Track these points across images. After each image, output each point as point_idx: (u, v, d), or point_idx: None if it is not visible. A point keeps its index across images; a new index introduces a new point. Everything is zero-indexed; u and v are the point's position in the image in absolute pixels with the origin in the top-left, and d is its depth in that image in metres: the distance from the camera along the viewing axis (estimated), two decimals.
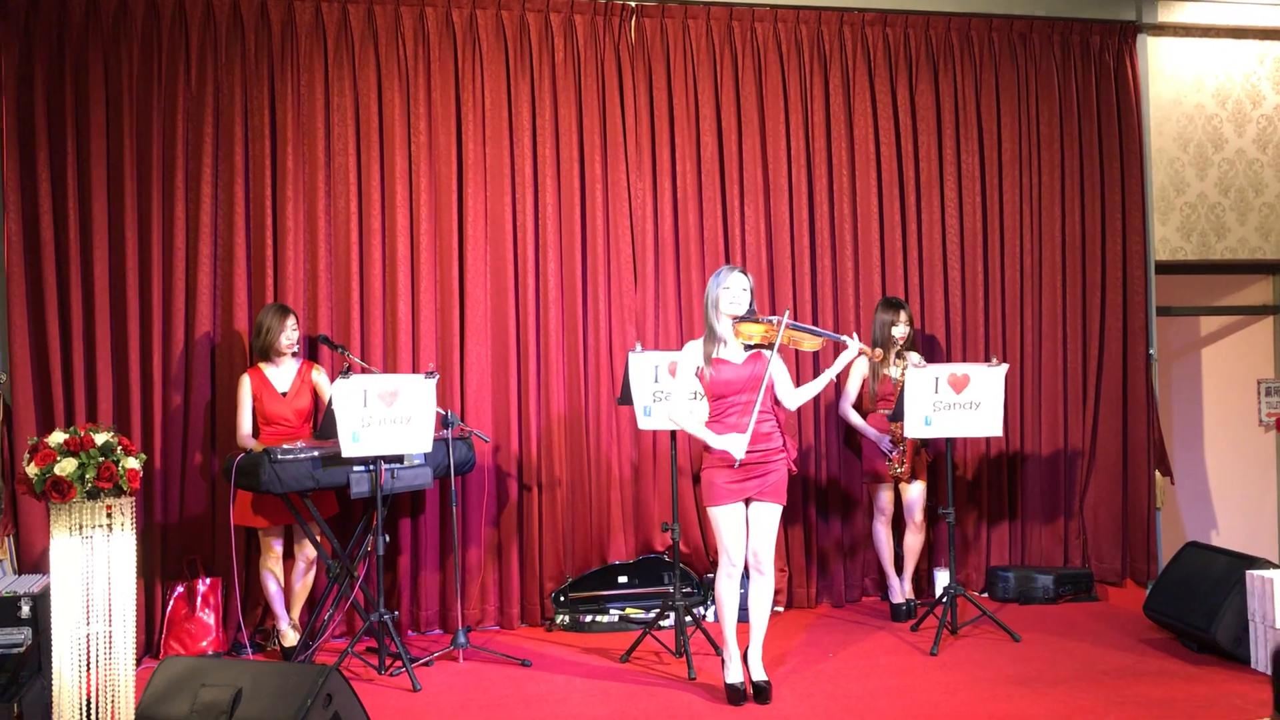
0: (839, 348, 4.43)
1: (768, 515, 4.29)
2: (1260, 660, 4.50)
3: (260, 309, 5.16)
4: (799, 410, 5.80)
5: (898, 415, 5.24)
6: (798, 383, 4.96)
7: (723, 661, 4.40)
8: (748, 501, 4.28)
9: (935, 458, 5.68)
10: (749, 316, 4.28)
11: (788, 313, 4.28)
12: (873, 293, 5.94)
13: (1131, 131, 6.24)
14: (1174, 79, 6.41)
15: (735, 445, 4.15)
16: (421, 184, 5.50)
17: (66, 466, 3.14)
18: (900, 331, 5.52)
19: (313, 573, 5.14)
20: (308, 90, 5.40)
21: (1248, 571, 4.61)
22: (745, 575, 4.34)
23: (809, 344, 4.38)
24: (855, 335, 4.51)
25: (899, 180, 6.06)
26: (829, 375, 4.40)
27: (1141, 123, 6.28)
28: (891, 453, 5.47)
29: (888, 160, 6.04)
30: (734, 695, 4.27)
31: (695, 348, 4.31)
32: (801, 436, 5.86)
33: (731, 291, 4.25)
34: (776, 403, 4.36)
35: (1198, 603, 4.79)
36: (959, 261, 6.10)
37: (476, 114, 5.59)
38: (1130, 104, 6.25)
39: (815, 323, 5.90)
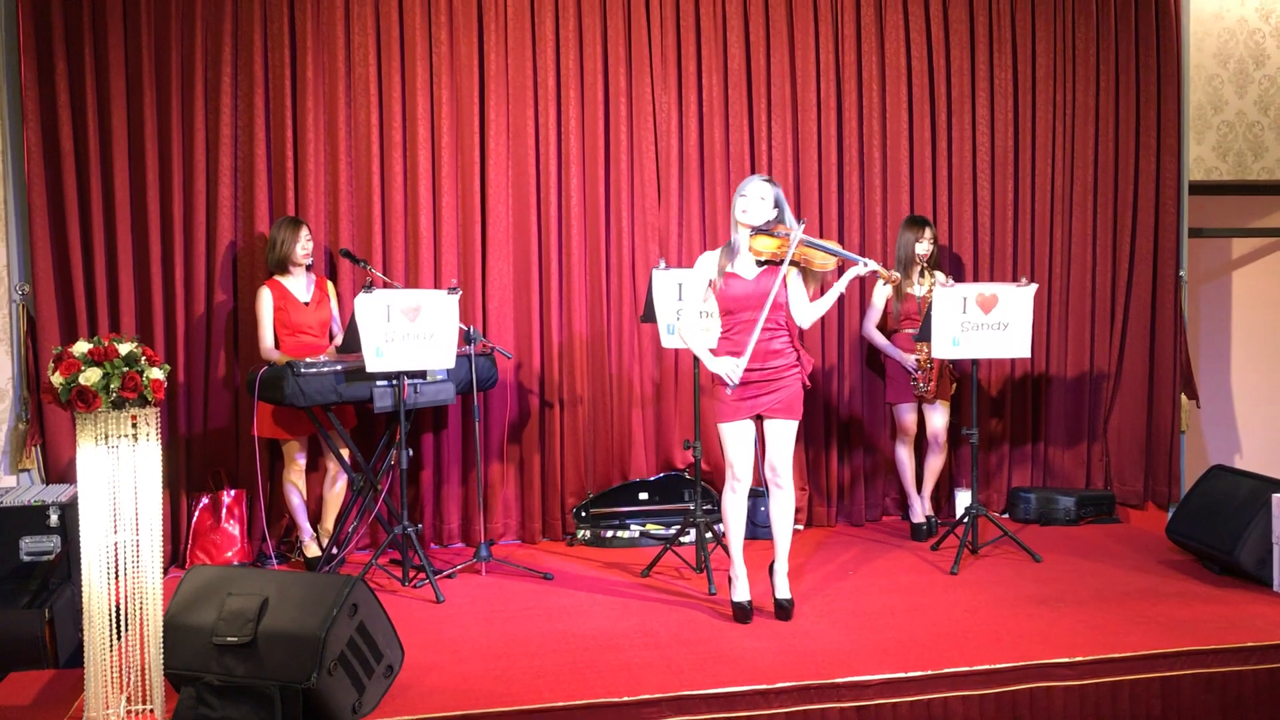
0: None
1: (783, 431, 4.24)
2: None
3: None
4: (823, 329, 5.77)
5: (924, 334, 5.20)
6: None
7: (730, 579, 4.39)
8: (760, 419, 4.25)
9: (960, 378, 5.64)
10: (764, 229, 4.14)
11: (803, 225, 4.14)
12: (900, 211, 5.85)
13: (1170, 46, 6.06)
14: None
15: (730, 368, 4.07)
16: (443, 96, 5.42)
17: (91, 376, 3.13)
18: (924, 249, 5.44)
19: (343, 480, 5.14)
20: None
21: (1273, 495, 4.58)
22: (756, 492, 4.29)
23: (821, 261, 4.18)
24: (882, 264, 4.38)
25: (929, 96, 5.92)
26: (836, 291, 4.22)
27: (1181, 37, 6.09)
28: (916, 372, 5.43)
29: (919, 75, 5.90)
30: (740, 613, 4.26)
31: (710, 259, 4.21)
32: (825, 355, 5.83)
33: (747, 199, 4.11)
34: (790, 319, 4.25)
35: (1222, 525, 4.77)
36: (989, 180, 5.98)
37: (499, 24, 5.48)
38: (1169, 18, 6.05)
39: (841, 242, 5.80)
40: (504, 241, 5.52)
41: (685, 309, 4.23)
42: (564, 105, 5.57)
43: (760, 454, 4.33)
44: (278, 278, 5.06)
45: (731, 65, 5.71)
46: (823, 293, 4.29)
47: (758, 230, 4.14)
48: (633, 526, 5.56)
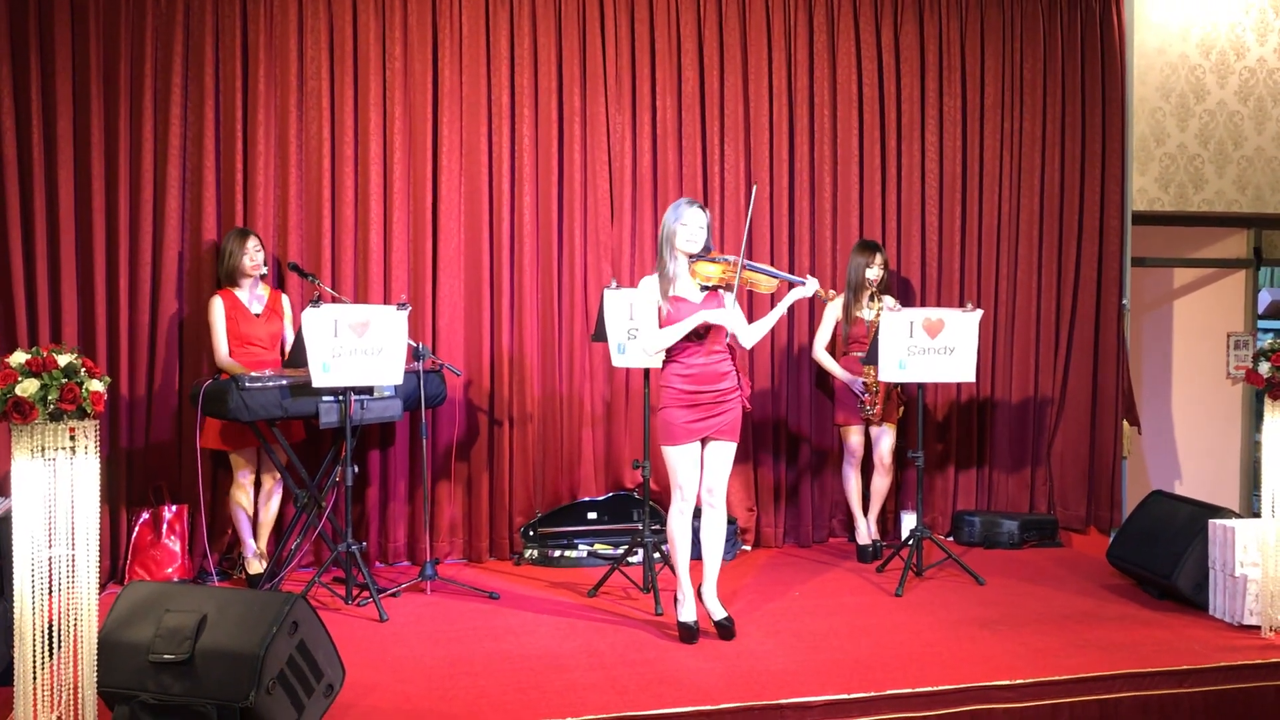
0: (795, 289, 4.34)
1: (723, 453, 4.28)
2: (1219, 607, 4.56)
3: None
4: (772, 351, 5.81)
5: (871, 358, 5.24)
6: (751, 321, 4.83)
7: (676, 599, 4.39)
8: (703, 441, 4.26)
9: (907, 401, 5.69)
10: (704, 255, 4.19)
11: (743, 252, 4.20)
12: (850, 235, 5.91)
13: (1114, 79, 6.19)
14: (1159, 27, 6.36)
15: (730, 317, 4.12)
16: (396, 111, 5.40)
17: (28, 387, 3.07)
18: (874, 274, 5.50)
19: (277, 500, 5.10)
20: (280, 10, 5.27)
21: (1210, 520, 4.65)
22: (696, 513, 4.33)
23: (765, 285, 4.29)
24: (832, 287, 4.45)
25: (880, 122, 6.00)
26: (779, 311, 4.32)
27: (1125, 71, 6.23)
28: (863, 395, 5.48)
29: (870, 102, 5.97)
30: (687, 633, 4.26)
31: (653, 283, 4.22)
32: (773, 377, 5.86)
33: (689, 229, 4.14)
34: (731, 342, 4.30)
35: (1161, 550, 4.84)
36: (937, 206, 6.06)
37: (454, 41, 5.47)
38: (1114, 51, 6.19)
39: (791, 264, 5.87)
40: (455, 258, 5.50)
41: (644, 325, 4.25)
42: (518, 123, 5.57)
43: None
44: (229, 289, 5.00)
45: (685, 87, 5.75)
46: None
47: (698, 257, 4.18)
48: (581, 546, 5.54)
